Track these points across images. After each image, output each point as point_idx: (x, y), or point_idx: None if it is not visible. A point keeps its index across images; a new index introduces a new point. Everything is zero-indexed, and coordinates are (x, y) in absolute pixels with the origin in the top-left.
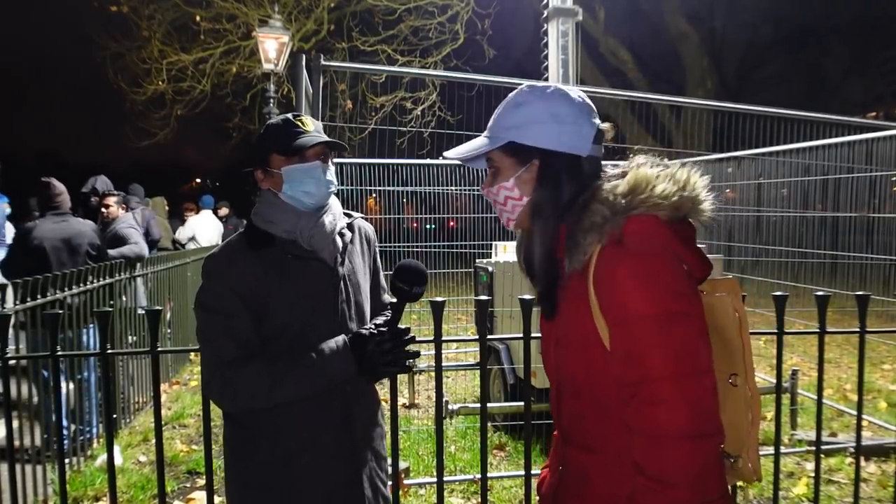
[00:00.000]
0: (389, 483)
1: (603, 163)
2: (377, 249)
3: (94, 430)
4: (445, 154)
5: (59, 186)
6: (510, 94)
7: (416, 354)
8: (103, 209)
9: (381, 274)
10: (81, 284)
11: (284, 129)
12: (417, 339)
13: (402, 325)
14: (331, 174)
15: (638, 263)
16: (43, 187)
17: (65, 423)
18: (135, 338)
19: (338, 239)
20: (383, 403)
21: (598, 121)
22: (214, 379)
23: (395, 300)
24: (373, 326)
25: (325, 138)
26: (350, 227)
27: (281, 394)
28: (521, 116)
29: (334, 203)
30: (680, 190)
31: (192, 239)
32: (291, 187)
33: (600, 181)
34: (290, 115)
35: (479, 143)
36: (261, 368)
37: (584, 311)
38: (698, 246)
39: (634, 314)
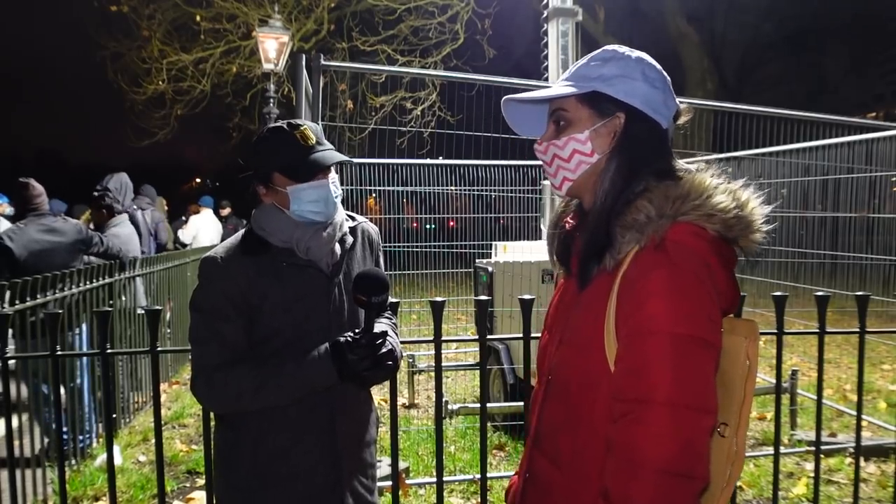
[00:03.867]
0: (389, 483)
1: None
2: (381, 252)
3: (93, 435)
4: (507, 98)
5: (39, 188)
6: (595, 52)
7: (391, 355)
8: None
9: (389, 293)
10: (78, 285)
11: (287, 148)
12: (417, 339)
13: (378, 330)
14: (336, 186)
15: (677, 275)
16: (21, 188)
17: (64, 427)
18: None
19: (337, 247)
20: (383, 403)
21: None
22: (200, 379)
23: (378, 312)
24: (350, 334)
25: (336, 157)
26: (353, 231)
27: (263, 398)
28: (610, 69)
29: (338, 211)
30: (737, 208)
31: (195, 239)
32: (300, 206)
33: (658, 172)
34: (285, 126)
35: (557, 89)
36: (245, 373)
37: (599, 314)
38: (735, 276)
39: (657, 328)
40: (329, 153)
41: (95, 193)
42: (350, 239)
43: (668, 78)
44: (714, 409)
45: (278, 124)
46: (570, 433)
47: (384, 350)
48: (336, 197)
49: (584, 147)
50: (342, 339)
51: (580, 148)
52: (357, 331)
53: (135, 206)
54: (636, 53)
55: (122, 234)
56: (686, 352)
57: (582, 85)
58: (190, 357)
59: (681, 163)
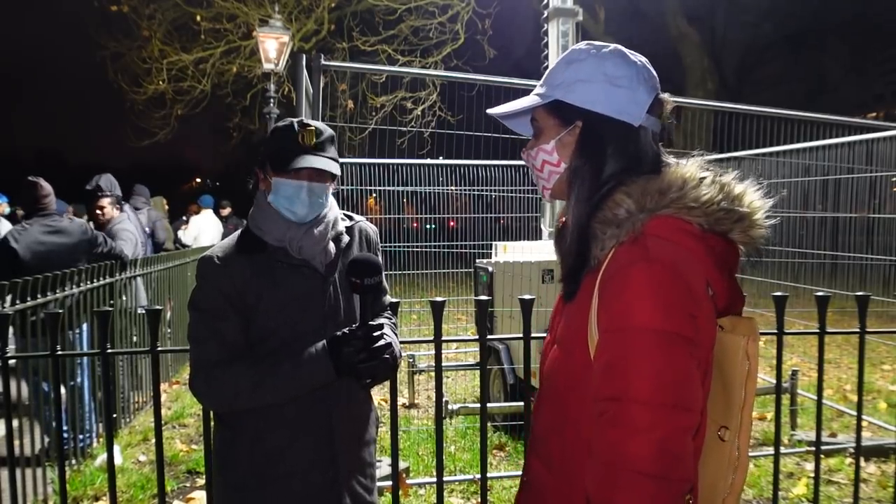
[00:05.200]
0: (389, 483)
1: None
2: (379, 251)
3: (94, 435)
4: (488, 111)
5: (47, 187)
6: (568, 51)
7: (389, 348)
8: (97, 210)
9: (383, 277)
10: (78, 285)
11: (285, 140)
12: (417, 339)
13: (374, 322)
14: (320, 195)
15: (654, 269)
16: (30, 188)
17: (65, 427)
18: (136, 337)
19: (331, 245)
20: (383, 403)
21: (658, 90)
22: (198, 378)
23: (373, 298)
24: (347, 329)
25: (318, 163)
26: (350, 231)
27: (261, 396)
28: (570, 74)
29: (330, 209)
30: (725, 201)
31: (196, 239)
32: (276, 199)
33: (643, 166)
34: (296, 122)
35: (526, 99)
36: (243, 371)
37: (583, 312)
38: (734, 275)
39: (634, 324)
40: (317, 158)
41: (89, 189)
42: (346, 238)
43: (646, 68)
44: (694, 407)
45: (294, 119)
46: (559, 435)
47: (380, 343)
48: (316, 205)
49: (552, 157)
50: (339, 333)
51: (548, 158)
52: (354, 326)
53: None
54: (602, 50)
55: (131, 229)
56: (662, 347)
57: (548, 93)
58: (189, 356)
59: (669, 157)
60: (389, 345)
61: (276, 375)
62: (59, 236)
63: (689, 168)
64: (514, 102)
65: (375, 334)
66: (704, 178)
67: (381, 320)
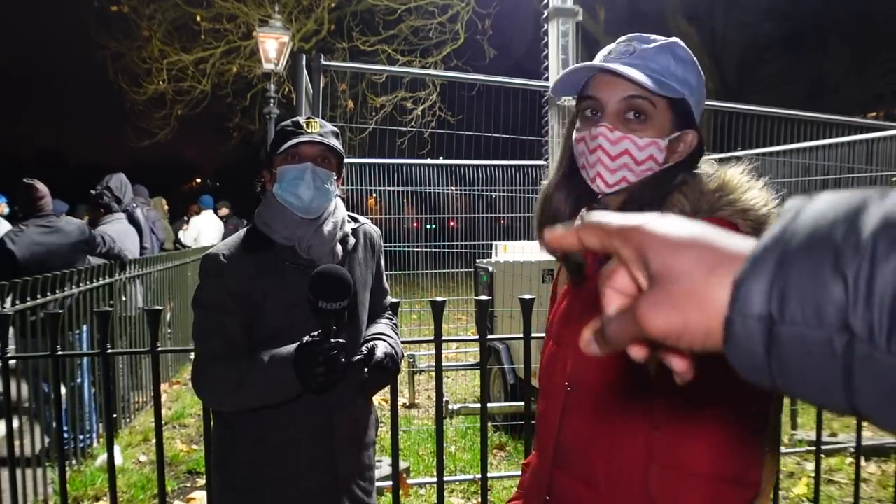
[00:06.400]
0: (389, 483)
1: None
2: (382, 254)
3: (94, 435)
4: (610, 67)
5: (43, 189)
6: (670, 42)
7: (345, 367)
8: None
9: (384, 278)
10: (78, 285)
11: (287, 130)
12: (418, 339)
13: (376, 331)
14: (325, 180)
15: None
16: (26, 189)
17: (65, 427)
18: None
19: (338, 247)
20: (383, 403)
21: None
22: (197, 374)
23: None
24: (309, 337)
25: (317, 138)
26: (355, 233)
27: (243, 396)
28: (691, 75)
29: (338, 209)
30: (765, 207)
31: (196, 240)
32: (281, 187)
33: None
34: (300, 118)
35: (638, 75)
36: (229, 368)
37: None
38: None
39: None
40: (317, 135)
41: (93, 192)
42: (352, 240)
43: None
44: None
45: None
46: (602, 449)
47: (342, 361)
48: (322, 191)
49: (660, 156)
50: (305, 340)
51: (657, 155)
52: (314, 336)
53: (134, 204)
54: (693, 56)
55: (111, 231)
56: None
57: (670, 84)
58: (191, 356)
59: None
60: (349, 363)
61: (255, 373)
62: (57, 236)
63: (736, 172)
64: (639, 71)
65: (334, 353)
66: (749, 182)
67: (383, 321)
